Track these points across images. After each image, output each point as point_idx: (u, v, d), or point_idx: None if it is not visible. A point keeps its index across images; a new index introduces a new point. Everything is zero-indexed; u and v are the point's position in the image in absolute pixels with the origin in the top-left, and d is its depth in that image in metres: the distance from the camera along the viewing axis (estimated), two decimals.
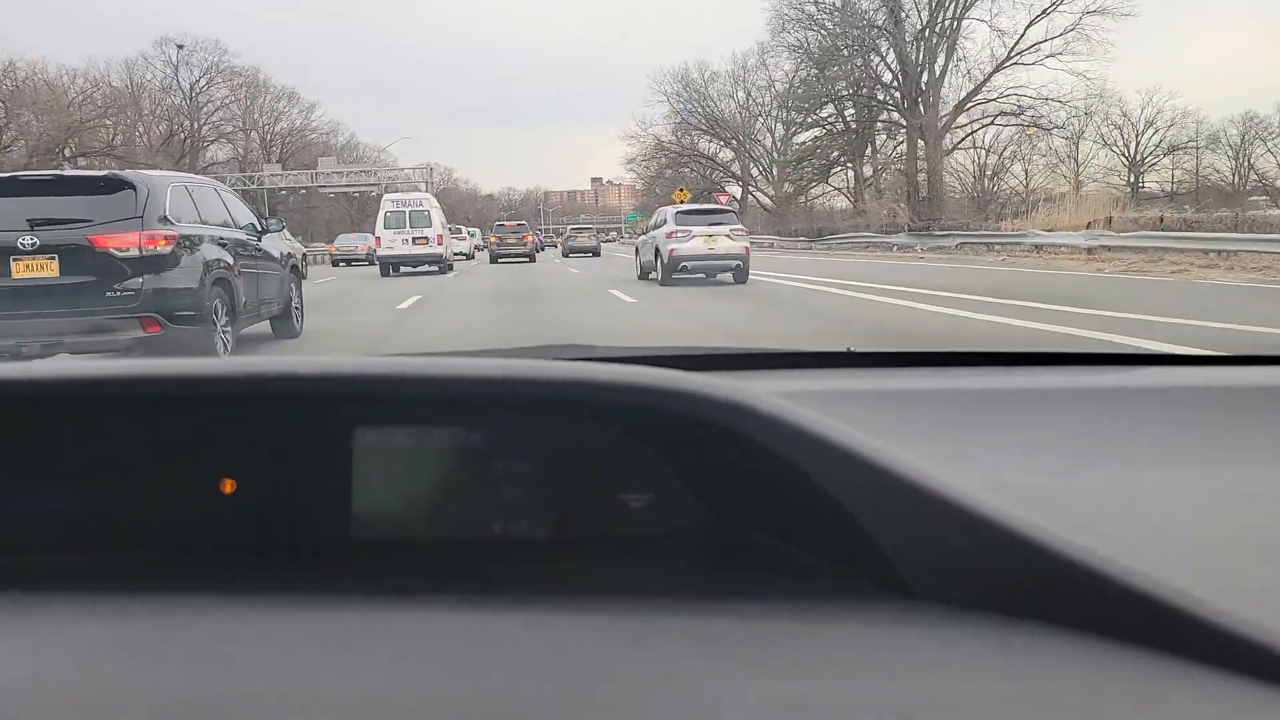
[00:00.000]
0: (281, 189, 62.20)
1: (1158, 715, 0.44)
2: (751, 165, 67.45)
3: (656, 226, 17.77)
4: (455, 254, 33.31)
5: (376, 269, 25.87)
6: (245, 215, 8.94)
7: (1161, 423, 1.00)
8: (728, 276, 16.96)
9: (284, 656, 0.49)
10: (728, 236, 16.61)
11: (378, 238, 25.03)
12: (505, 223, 36.58)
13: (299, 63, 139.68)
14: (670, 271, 16.45)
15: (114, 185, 6.96)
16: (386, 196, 27.13)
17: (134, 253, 6.67)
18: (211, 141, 68.46)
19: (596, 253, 41.04)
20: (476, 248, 43.96)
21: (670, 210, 17.79)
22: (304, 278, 11.80)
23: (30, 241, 6.54)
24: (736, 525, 0.66)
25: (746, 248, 16.99)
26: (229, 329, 7.60)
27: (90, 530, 0.66)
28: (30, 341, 6.55)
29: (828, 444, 0.56)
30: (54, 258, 6.58)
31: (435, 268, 24.53)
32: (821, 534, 0.60)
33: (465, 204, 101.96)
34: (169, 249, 6.84)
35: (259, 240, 8.80)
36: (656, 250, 17.16)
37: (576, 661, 0.48)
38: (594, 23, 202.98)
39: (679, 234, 16.46)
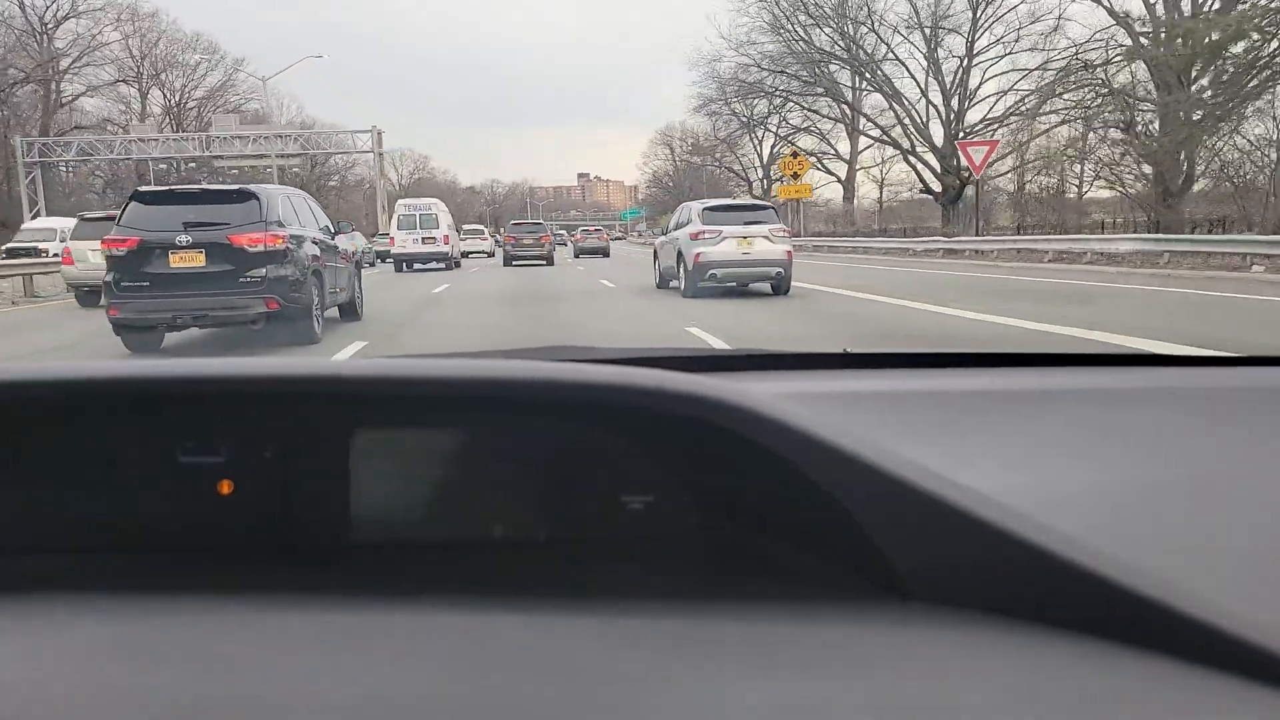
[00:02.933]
0: (156, 160, 46.24)
1: (1155, 717, 0.44)
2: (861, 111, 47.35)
3: (679, 226, 14.83)
4: (476, 252, 37.64)
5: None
6: (323, 219, 10.89)
7: (1159, 424, 1.00)
8: (764, 286, 14.25)
9: (283, 658, 0.49)
10: (766, 238, 13.74)
11: (391, 237, 28.05)
12: (521, 221, 34.54)
13: (293, 61, 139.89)
14: (696, 280, 13.63)
15: (243, 196, 8.97)
16: (400, 201, 30.23)
17: (260, 248, 8.62)
18: (78, 95, 51.47)
19: (606, 253, 39.67)
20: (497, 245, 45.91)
21: (695, 206, 14.81)
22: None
23: (185, 239, 8.50)
24: (735, 527, 0.66)
25: (789, 252, 14.00)
26: (319, 310, 9.56)
27: (88, 531, 0.66)
28: (184, 314, 8.52)
29: (824, 445, 0.56)
30: (202, 251, 8.54)
31: (443, 265, 27.23)
32: (819, 535, 0.60)
33: (443, 197, 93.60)
34: (284, 246, 8.79)
35: (333, 239, 10.75)
36: (679, 255, 14.23)
37: (576, 663, 0.49)
38: (591, 23, 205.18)
39: (706, 235, 13.63)
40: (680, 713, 0.44)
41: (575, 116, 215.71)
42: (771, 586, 0.60)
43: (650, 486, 0.67)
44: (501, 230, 45.32)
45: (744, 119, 58.47)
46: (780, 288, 14.07)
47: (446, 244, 27.51)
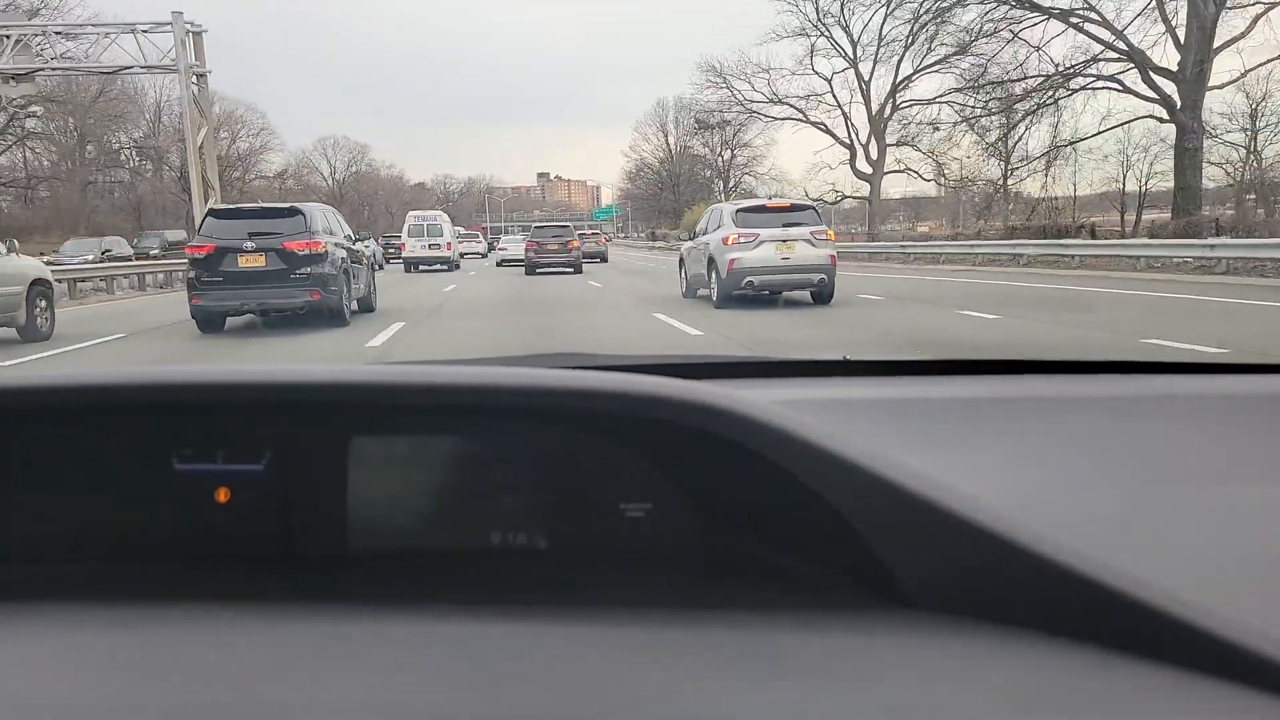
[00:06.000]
0: None
1: None
2: None
3: (708, 230, 13.77)
4: (471, 253, 41.81)
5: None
6: (347, 229, 13.69)
7: (1163, 431, 1.00)
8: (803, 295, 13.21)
9: (281, 667, 0.49)
10: (808, 242, 12.73)
11: (402, 243, 32.91)
12: (545, 224, 30.41)
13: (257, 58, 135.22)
14: (729, 288, 12.68)
15: (292, 212, 11.81)
16: (410, 213, 35.31)
17: (306, 252, 11.40)
18: None
19: (604, 258, 36.54)
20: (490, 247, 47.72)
21: (726, 208, 13.78)
22: None
23: (250, 245, 11.30)
24: (735, 535, 0.66)
25: (832, 256, 13.00)
26: (348, 301, 12.32)
27: (84, 539, 0.66)
28: (250, 303, 11.31)
29: (825, 453, 0.56)
30: (262, 254, 11.33)
31: (445, 266, 31.92)
32: (820, 544, 0.60)
33: (388, 193, 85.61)
34: (323, 250, 11.57)
35: (354, 245, 13.53)
36: (710, 260, 13.19)
37: (575, 672, 0.48)
38: (551, 22, 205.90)
39: (741, 239, 12.63)
40: (683, 718, 0.44)
41: (533, 117, 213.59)
42: (771, 595, 0.60)
43: (649, 494, 0.67)
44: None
45: (849, 52, 43.10)
46: (823, 296, 13.01)
47: (449, 249, 32.24)
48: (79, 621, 0.56)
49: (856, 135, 46.19)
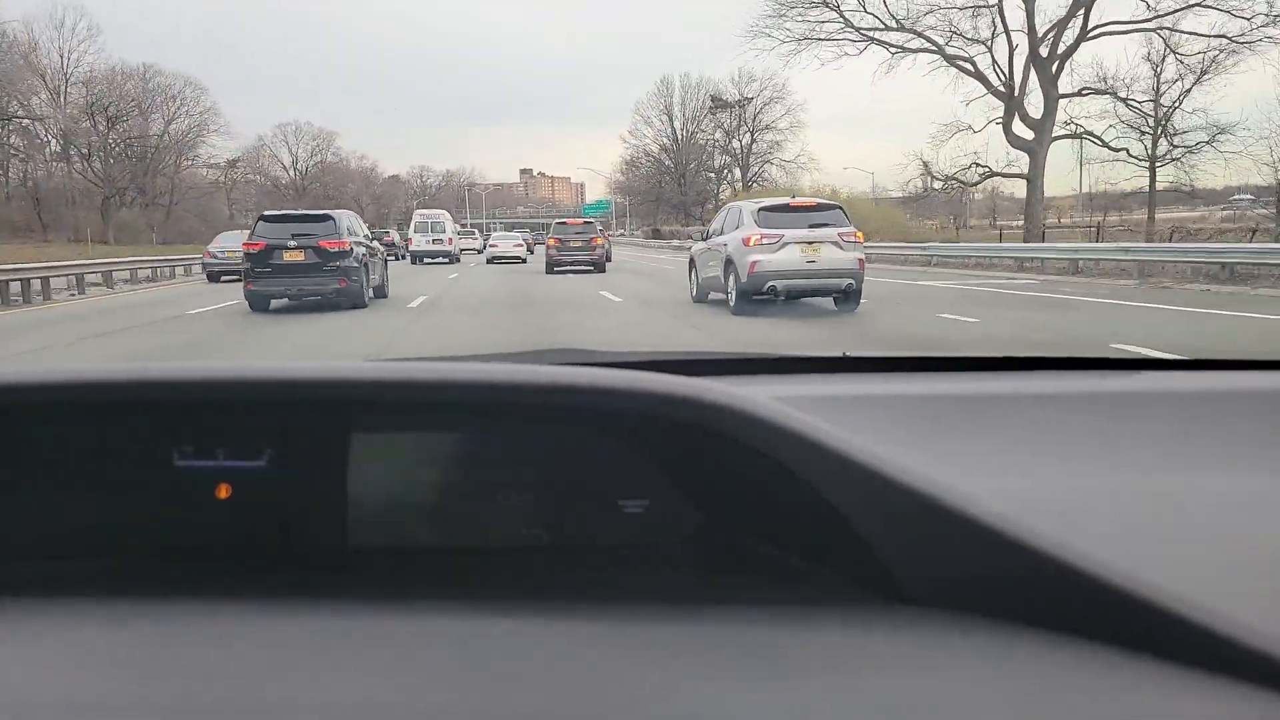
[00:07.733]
0: None
1: (1152, 718, 0.45)
2: None
3: (727, 229, 13.04)
4: (467, 249, 46.31)
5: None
6: (365, 229, 16.91)
7: (1158, 428, 1.01)
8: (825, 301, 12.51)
9: (281, 664, 0.49)
10: (835, 244, 12.05)
11: (409, 239, 38.16)
12: (567, 220, 28.93)
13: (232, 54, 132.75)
14: (750, 292, 12.02)
15: (325, 218, 15.12)
16: (417, 211, 40.64)
17: (336, 249, 14.63)
18: None
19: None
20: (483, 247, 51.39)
21: (746, 207, 13.05)
22: None
23: (293, 243, 14.51)
24: (734, 531, 0.66)
25: (860, 260, 12.33)
26: (368, 287, 15.54)
27: (85, 535, 0.67)
28: (291, 289, 14.53)
29: (824, 449, 0.56)
30: (302, 251, 14.55)
31: (447, 259, 36.58)
32: (819, 540, 0.60)
33: (359, 186, 78.35)
34: (349, 248, 14.79)
35: (370, 242, 16.75)
36: (727, 263, 12.54)
37: (575, 668, 0.49)
38: (532, 21, 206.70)
39: (764, 240, 11.96)
40: (682, 717, 0.45)
41: (532, 117, 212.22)
42: (770, 591, 0.60)
43: (648, 490, 0.67)
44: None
45: None
46: (850, 301, 12.34)
47: (450, 244, 37.02)
48: (80, 618, 0.56)
49: (1005, 80, 30.04)
